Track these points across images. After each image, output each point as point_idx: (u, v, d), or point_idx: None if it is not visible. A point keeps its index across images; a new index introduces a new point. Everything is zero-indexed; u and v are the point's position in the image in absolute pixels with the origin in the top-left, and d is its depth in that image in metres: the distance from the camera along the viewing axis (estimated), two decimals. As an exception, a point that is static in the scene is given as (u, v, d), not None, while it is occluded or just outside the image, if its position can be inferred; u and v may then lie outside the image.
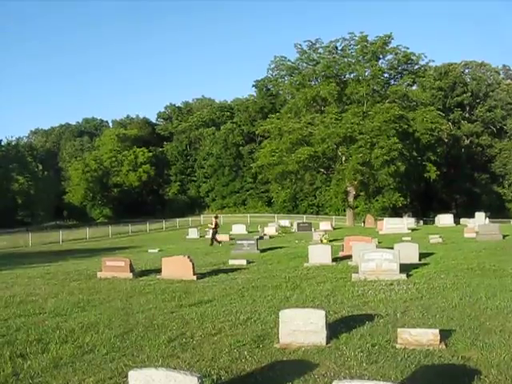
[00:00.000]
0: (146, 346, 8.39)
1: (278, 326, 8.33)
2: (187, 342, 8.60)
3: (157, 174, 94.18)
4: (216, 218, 35.61)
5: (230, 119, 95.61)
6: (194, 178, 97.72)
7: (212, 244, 31.73)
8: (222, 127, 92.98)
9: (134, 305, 12.13)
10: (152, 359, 7.69)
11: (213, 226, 33.28)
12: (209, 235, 35.47)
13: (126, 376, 6.72)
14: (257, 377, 6.73)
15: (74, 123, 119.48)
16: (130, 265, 17.54)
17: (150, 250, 29.24)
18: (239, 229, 45.03)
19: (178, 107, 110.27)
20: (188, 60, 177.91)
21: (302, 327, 8.00)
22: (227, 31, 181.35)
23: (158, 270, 17.44)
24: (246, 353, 7.77)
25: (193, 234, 42.96)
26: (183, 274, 16.28)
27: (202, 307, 11.54)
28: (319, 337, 7.96)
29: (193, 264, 16.70)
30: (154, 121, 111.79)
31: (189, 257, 17.09)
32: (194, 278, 16.26)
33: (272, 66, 65.10)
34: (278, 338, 8.27)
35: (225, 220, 65.71)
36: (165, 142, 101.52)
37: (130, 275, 17.13)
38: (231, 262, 20.75)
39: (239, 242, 26.45)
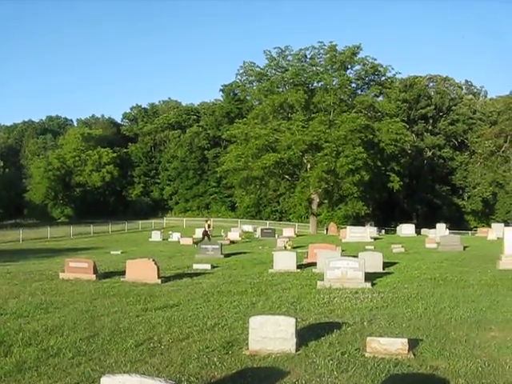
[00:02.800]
0: (113, 351, 8.26)
1: (247, 332, 8.29)
2: (155, 346, 8.49)
3: (120, 175, 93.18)
4: (207, 221, 36.58)
5: (195, 122, 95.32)
6: (158, 181, 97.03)
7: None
8: (187, 130, 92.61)
9: (98, 307, 11.95)
10: (120, 364, 7.56)
11: (207, 229, 34.44)
12: (172, 238, 35.31)
13: (94, 381, 6.65)
14: (227, 384, 6.69)
15: (38, 120, 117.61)
16: (94, 266, 17.31)
17: (112, 252, 28.92)
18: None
19: (144, 108, 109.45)
20: (156, 62, 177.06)
21: (271, 334, 7.97)
22: (196, 35, 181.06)
23: (122, 272, 17.24)
24: (215, 359, 7.71)
25: (156, 236, 42.67)
26: (148, 277, 16.13)
27: (169, 311, 11.43)
28: (289, 344, 7.95)
29: (158, 267, 16.56)
30: (119, 121, 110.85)
31: (153, 260, 16.94)
32: (159, 281, 16.14)
33: (241, 71, 65.13)
34: (246, 344, 8.23)
35: (188, 223, 65.45)
36: (129, 143, 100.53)
37: (94, 277, 16.90)
38: (195, 266, 20.65)
39: (203, 246, 26.35)
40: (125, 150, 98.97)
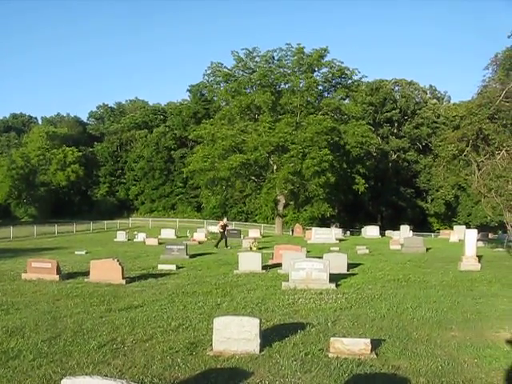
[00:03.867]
0: (75, 352, 8.16)
1: (211, 333, 8.29)
2: (118, 348, 8.43)
3: (86, 175, 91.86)
4: (222, 219, 35.98)
5: (162, 123, 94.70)
6: (124, 181, 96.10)
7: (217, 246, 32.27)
8: (154, 130, 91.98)
9: (61, 308, 11.80)
10: (82, 366, 7.47)
11: (221, 229, 33.81)
12: (137, 238, 34.87)
13: None
14: (191, 385, 6.68)
15: (1, 118, 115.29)
16: (57, 267, 17.07)
17: (77, 252, 28.53)
18: (168, 233, 44.60)
19: (111, 108, 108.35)
20: (123, 61, 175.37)
21: (235, 335, 7.99)
22: (164, 34, 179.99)
23: (86, 273, 17.05)
24: (179, 360, 7.69)
25: (121, 236, 42.27)
26: (112, 278, 15.98)
27: (133, 312, 11.35)
28: (253, 345, 7.98)
29: (122, 267, 16.42)
30: (85, 120, 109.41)
31: (118, 260, 16.79)
32: (123, 281, 16.00)
33: (208, 71, 64.89)
34: (211, 345, 8.23)
35: (153, 224, 65.01)
36: (95, 143, 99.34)
37: (57, 277, 16.68)
38: (160, 266, 20.54)
39: (169, 246, 26.19)
40: (90, 150, 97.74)
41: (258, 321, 8.11)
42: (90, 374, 6.56)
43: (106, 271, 16.30)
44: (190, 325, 10.09)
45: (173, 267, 20.29)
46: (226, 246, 32.21)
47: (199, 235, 42.58)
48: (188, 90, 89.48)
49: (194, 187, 75.50)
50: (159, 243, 34.90)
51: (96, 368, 7.33)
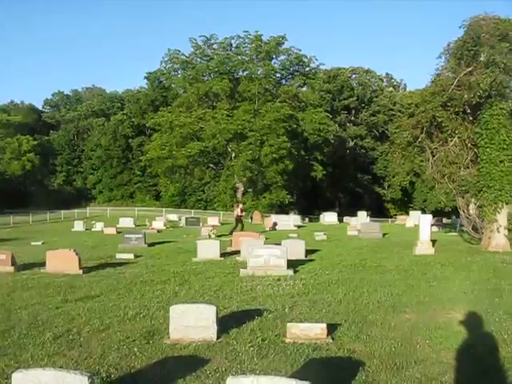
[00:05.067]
0: (29, 345, 8.04)
1: (168, 321, 8.29)
2: (74, 338, 8.35)
3: (42, 164, 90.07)
4: (238, 205, 35.49)
5: (120, 110, 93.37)
6: (81, 169, 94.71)
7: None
8: (111, 118, 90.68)
9: (15, 300, 11.61)
10: (36, 358, 7.36)
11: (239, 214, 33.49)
12: (95, 228, 34.39)
13: (8, 378, 6.44)
14: (148, 373, 6.67)
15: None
16: (12, 258, 16.78)
17: (33, 243, 28.05)
18: (127, 222, 44.18)
19: (67, 95, 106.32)
20: (79, 48, 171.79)
21: (192, 322, 8.01)
22: (121, 20, 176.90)
23: (42, 264, 16.78)
24: (135, 349, 7.67)
25: (79, 226, 41.68)
26: (69, 268, 15.79)
27: (89, 302, 11.26)
28: (210, 332, 8.02)
29: (79, 258, 16.25)
30: (40, 108, 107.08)
31: (75, 250, 16.60)
32: (80, 272, 15.84)
33: (166, 59, 64.48)
34: (168, 333, 8.23)
35: (112, 213, 64.31)
36: (51, 131, 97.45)
37: (12, 269, 16.40)
38: (119, 255, 20.39)
39: (127, 235, 26.00)
40: (46, 138, 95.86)
41: (215, 308, 8.15)
42: (44, 366, 6.49)
43: (62, 262, 16.08)
44: (148, 313, 10.07)
45: (131, 256, 20.16)
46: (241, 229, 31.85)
47: (158, 224, 42.31)
48: (145, 78, 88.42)
49: (153, 175, 75.01)
50: (117, 232, 34.57)
51: (51, 360, 7.25)
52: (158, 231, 37.14)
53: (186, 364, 6.95)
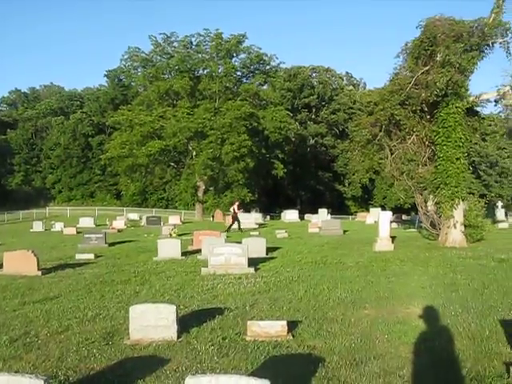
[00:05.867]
0: (-16, 349, 7.87)
1: (128, 321, 8.23)
2: (31, 341, 8.19)
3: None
4: (234, 203, 35.36)
5: (79, 109, 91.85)
6: (40, 169, 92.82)
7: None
8: (70, 117, 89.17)
9: (-29, 304, 11.35)
10: (-8, 362, 7.22)
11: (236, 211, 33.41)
12: (55, 228, 33.85)
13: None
14: (107, 375, 6.59)
15: None
16: (-33, 260, 16.40)
17: (-11, 244, 27.48)
18: (87, 222, 43.62)
19: (24, 93, 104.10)
20: (36, 45, 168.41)
21: (152, 322, 7.97)
22: (79, 17, 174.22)
23: (0, 266, 16.46)
24: (95, 351, 7.58)
25: (37, 226, 40.96)
26: (27, 270, 15.52)
27: (48, 304, 11.08)
28: (170, 332, 7.98)
29: (37, 259, 15.97)
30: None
31: (33, 251, 16.31)
32: (39, 273, 15.59)
33: (125, 56, 63.80)
34: (128, 334, 8.16)
35: (72, 213, 63.42)
36: (8, 130, 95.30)
37: (-33, 271, 16.02)
38: (78, 256, 20.13)
39: (87, 235, 25.69)
40: (3, 137, 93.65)
41: (175, 307, 8.12)
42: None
43: (20, 263, 15.79)
44: (108, 314, 9.97)
45: (91, 256, 19.95)
46: (238, 228, 32.34)
47: (119, 223, 41.95)
48: (105, 75, 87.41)
49: (113, 174, 74.16)
50: (77, 232, 34.12)
51: (7, 364, 7.09)
52: (119, 231, 36.83)
53: (146, 364, 6.91)
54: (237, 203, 35.33)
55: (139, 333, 7.98)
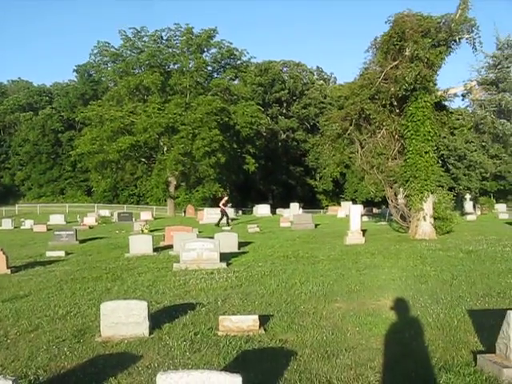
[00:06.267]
0: (-49, 350, 7.73)
1: (100, 318, 8.18)
2: (0, 341, 8.06)
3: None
4: (223, 197, 35.60)
5: (48, 104, 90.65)
6: (9, 166, 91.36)
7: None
8: (39, 112, 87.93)
9: None
10: (-42, 364, 7.08)
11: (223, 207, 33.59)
12: (24, 225, 33.39)
13: None
14: (78, 373, 6.52)
15: None
16: None
17: (-44, 243, 27.00)
18: (57, 219, 43.17)
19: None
20: (3, 39, 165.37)
21: (123, 319, 7.92)
22: (47, 10, 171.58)
23: (-33, 264, 16.17)
24: (65, 349, 7.50)
25: (7, 224, 40.40)
26: (-5, 268, 15.31)
27: (17, 303, 10.93)
28: (142, 328, 7.95)
29: (6, 257, 15.78)
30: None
31: (2, 249, 16.10)
32: (8, 271, 15.42)
33: (95, 51, 63.13)
34: (99, 331, 8.11)
35: (42, 210, 62.61)
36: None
37: None
38: (49, 253, 19.93)
39: (57, 232, 25.42)
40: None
41: (146, 303, 8.08)
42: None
43: (-12, 261, 15.58)
44: (79, 312, 9.88)
45: (62, 253, 19.78)
46: (226, 222, 32.60)
47: (90, 220, 41.62)
48: (75, 70, 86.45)
49: (84, 171, 73.52)
50: (48, 229, 33.75)
51: (-26, 365, 7.00)
52: (90, 227, 36.56)
53: (118, 361, 6.86)
54: (225, 198, 35.40)
55: (110, 330, 7.94)
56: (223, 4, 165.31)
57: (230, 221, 33.44)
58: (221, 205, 34.59)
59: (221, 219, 33.21)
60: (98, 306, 8.48)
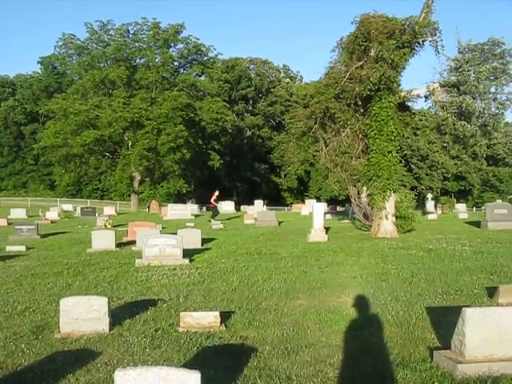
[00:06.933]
0: None
1: (59, 314, 8.09)
2: (-44, 337, 7.93)
3: None
4: (214, 193, 35.40)
5: (11, 96, 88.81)
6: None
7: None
8: (1, 104, 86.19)
9: None
10: None
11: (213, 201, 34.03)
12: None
13: None
14: (35, 370, 6.43)
15: None
16: None
17: None
18: (19, 213, 42.39)
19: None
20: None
21: (84, 315, 7.85)
22: (11, 1, 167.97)
23: None
24: (23, 345, 7.37)
25: (-36, 219, 39.49)
26: (-48, 263, 15.00)
27: (-26, 298, 10.74)
28: (102, 324, 7.90)
29: (-37, 252, 15.48)
30: None
31: (-41, 244, 15.80)
32: (-35, 267, 15.10)
33: (60, 43, 62.19)
34: (58, 327, 8.02)
35: (3, 203, 61.49)
36: None
37: None
38: (8, 248, 19.59)
39: (18, 227, 25.00)
40: None
41: (107, 299, 8.03)
42: None
43: None
44: (38, 307, 9.75)
45: (22, 248, 19.47)
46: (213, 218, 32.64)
47: (52, 214, 41.00)
48: (39, 62, 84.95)
49: (47, 164, 72.43)
50: (8, 223, 33.14)
51: None
52: (52, 222, 36.06)
53: (77, 358, 6.80)
54: (216, 193, 35.35)
55: (70, 326, 7.86)
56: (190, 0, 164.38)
57: (215, 217, 33.43)
58: (212, 200, 35.00)
59: (215, 213, 33.83)
60: (58, 301, 8.38)
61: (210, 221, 31.90)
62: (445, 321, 7.97)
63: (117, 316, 8.53)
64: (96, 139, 53.99)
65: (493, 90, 22.80)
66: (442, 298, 9.99)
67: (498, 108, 22.87)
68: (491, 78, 22.24)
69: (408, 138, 31.44)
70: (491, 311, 6.28)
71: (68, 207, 53.63)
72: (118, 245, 19.33)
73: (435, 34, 21.11)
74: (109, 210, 46.42)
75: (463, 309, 6.18)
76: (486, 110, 22.49)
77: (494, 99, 22.81)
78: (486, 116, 22.55)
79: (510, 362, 6.00)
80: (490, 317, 6.10)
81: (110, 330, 7.94)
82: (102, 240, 18.81)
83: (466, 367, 5.91)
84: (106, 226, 27.62)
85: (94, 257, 16.96)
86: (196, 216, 38.88)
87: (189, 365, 6.21)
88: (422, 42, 21.32)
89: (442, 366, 6.18)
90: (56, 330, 8.02)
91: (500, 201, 44.19)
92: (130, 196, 63.14)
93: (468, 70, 22.07)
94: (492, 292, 9.90)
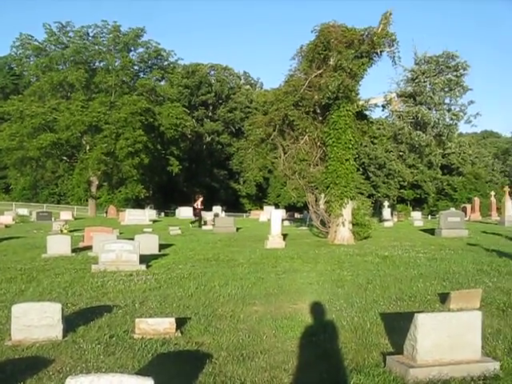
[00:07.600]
0: None
1: (11, 321, 7.93)
2: None
3: None
4: (198, 197, 34.96)
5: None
6: None
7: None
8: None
9: None
10: None
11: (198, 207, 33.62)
12: None
13: None
14: (-17, 378, 6.32)
15: None
16: None
17: None
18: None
19: None
20: None
21: (36, 322, 7.71)
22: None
23: None
24: (-29, 354, 7.23)
25: None
26: None
27: None
28: (55, 331, 7.76)
29: None
30: None
31: None
32: None
33: (17, 43, 61.01)
34: (9, 334, 7.85)
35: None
36: None
37: None
38: (-41, 253, 19.10)
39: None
40: None
41: (60, 306, 7.91)
42: None
43: None
44: (-12, 315, 9.54)
45: (-27, 253, 19.01)
46: (198, 224, 32.96)
47: (6, 218, 40.14)
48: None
49: (1, 167, 70.83)
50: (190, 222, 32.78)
51: None
52: (7, 226, 35.28)
53: (28, 366, 6.66)
54: (200, 199, 35.02)
55: (22, 333, 7.70)
56: (152, 4, 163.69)
57: (201, 223, 33.56)
58: (196, 205, 34.97)
59: (200, 219, 33.72)
60: (10, 308, 8.22)
61: (201, 226, 32.21)
62: (398, 326, 8.09)
63: (71, 322, 8.40)
64: (53, 142, 53.17)
65: (447, 101, 23.41)
66: (396, 304, 10.16)
67: (451, 119, 23.43)
68: (446, 89, 22.81)
69: (366, 146, 32.01)
70: (442, 317, 6.44)
71: (23, 211, 52.66)
72: (74, 250, 19.04)
73: (392, 45, 21.50)
74: (65, 214, 45.75)
75: (415, 314, 6.31)
76: (440, 120, 23.02)
77: (449, 110, 23.38)
78: (440, 126, 23.07)
79: (458, 366, 6.17)
80: (440, 322, 6.25)
81: (64, 336, 7.81)
82: (58, 245, 18.52)
83: (418, 371, 6.04)
84: (62, 230, 27.15)
85: (49, 262, 16.65)
86: (154, 221, 38.57)
87: (143, 371, 6.16)
88: (380, 52, 21.66)
89: (395, 371, 6.29)
90: (7, 338, 7.84)
91: (454, 209, 45.06)
92: (87, 201, 62.28)
93: (424, 81, 22.56)
94: (444, 298, 10.11)
